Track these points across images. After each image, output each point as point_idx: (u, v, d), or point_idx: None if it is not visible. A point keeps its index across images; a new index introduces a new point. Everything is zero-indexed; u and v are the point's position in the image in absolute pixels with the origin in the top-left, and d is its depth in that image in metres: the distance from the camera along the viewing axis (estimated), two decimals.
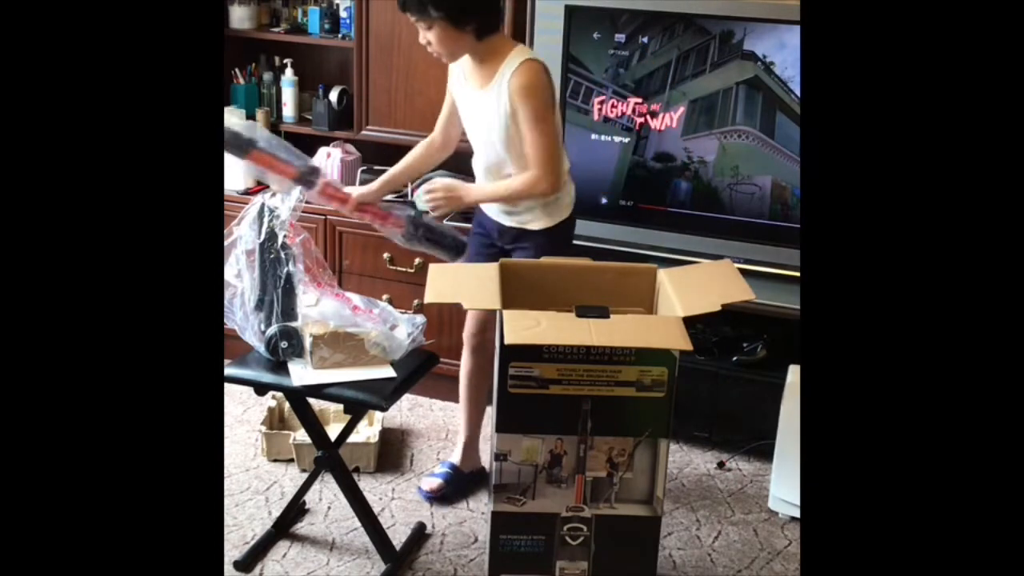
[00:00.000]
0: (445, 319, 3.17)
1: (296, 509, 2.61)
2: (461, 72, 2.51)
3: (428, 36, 2.36)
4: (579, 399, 2.03)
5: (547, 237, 2.53)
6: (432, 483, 2.77)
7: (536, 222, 2.52)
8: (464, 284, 2.17)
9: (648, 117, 2.93)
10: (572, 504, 2.12)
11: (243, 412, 3.17)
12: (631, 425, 2.07)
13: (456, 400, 3.29)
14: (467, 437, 2.83)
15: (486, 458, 2.82)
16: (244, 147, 2.35)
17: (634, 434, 2.08)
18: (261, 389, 2.34)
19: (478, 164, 2.57)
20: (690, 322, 2.01)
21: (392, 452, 3.00)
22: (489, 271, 2.20)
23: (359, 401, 2.25)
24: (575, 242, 2.82)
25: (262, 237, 2.28)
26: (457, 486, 2.79)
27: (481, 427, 2.86)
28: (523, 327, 1.91)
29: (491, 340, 2.63)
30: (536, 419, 2.05)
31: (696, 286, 2.16)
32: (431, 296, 2.08)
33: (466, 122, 2.56)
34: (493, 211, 2.59)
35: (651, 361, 2.01)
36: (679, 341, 1.93)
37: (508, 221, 2.56)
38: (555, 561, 2.17)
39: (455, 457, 2.84)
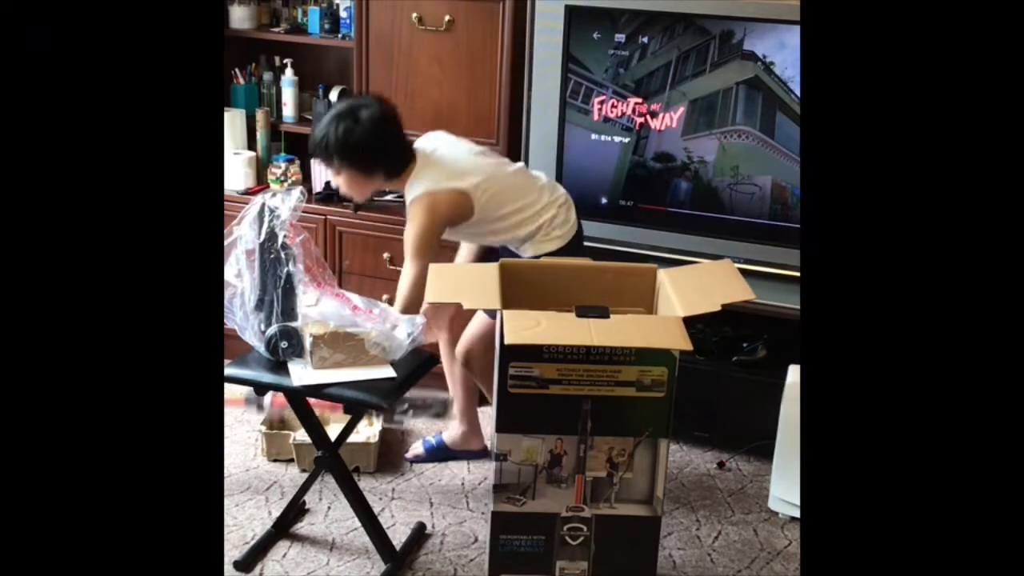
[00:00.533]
0: None
1: (296, 509, 2.61)
2: None
3: (336, 180, 2.51)
4: (579, 399, 2.03)
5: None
6: (416, 450, 2.97)
7: (527, 252, 2.60)
8: (464, 284, 2.17)
9: (648, 117, 2.93)
10: (572, 504, 2.12)
11: (243, 412, 3.17)
12: (631, 425, 2.07)
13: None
14: (459, 417, 2.95)
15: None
16: None
17: (634, 434, 2.08)
18: (261, 389, 2.34)
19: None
20: (690, 322, 2.01)
21: (392, 452, 3.00)
22: (489, 271, 2.20)
23: (359, 401, 2.25)
24: None
25: (262, 237, 2.28)
26: (440, 459, 2.96)
27: (473, 407, 2.96)
28: (523, 327, 1.91)
29: (459, 328, 2.81)
30: (536, 419, 2.05)
31: (696, 286, 2.16)
32: (431, 296, 2.08)
33: None
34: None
35: (651, 361, 2.01)
36: (679, 341, 1.93)
37: (510, 246, 2.64)
38: (555, 561, 2.17)
39: (446, 434, 2.98)
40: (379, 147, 2.44)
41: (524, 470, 2.09)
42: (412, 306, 2.42)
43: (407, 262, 2.45)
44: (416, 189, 2.45)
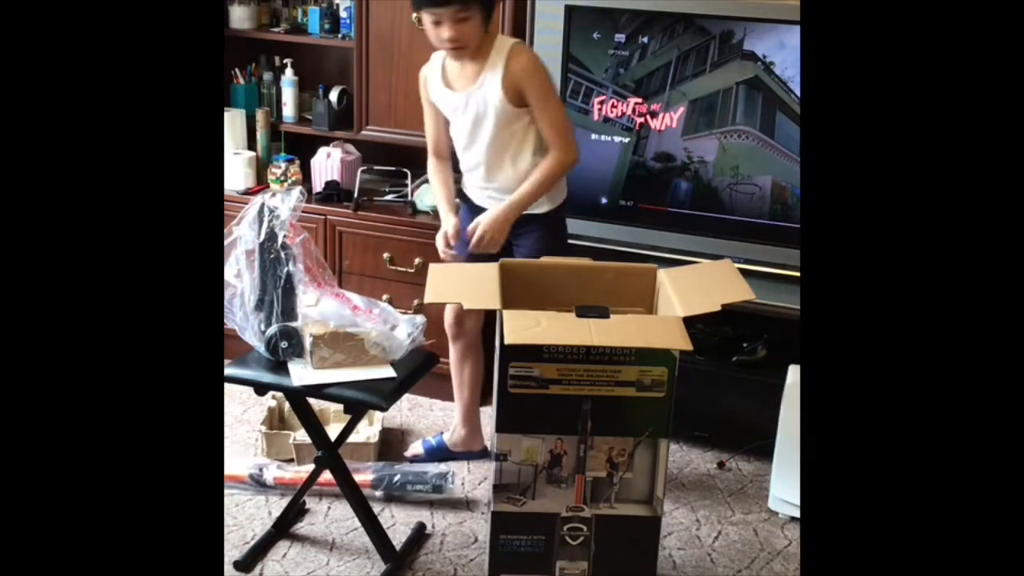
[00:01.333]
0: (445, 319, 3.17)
1: (296, 509, 2.61)
2: (438, 80, 2.55)
3: (462, 28, 2.34)
4: (579, 399, 2.03)
5: (552, 219, 2.62)
6: (415, 449, 2.96)
7: (542, 205, 2.58)
8: (464, 284, 2.17)
9: (648, 117, 2.93)
10: (572, 504, 2.12)
11: (243, 412, 3.17)
12: (631, 425, 2.07)
13: (455, 400, 3.30)
14: (461, 420, 2.95)
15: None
16: None
17: (634, 434, 2.08)
18: (261, 389, 2.34)
19: (475, 166, 2.60)
20: (690, 322, 2.01)
21: (392, 452, 3.00)
22: (489, 271, 2.20)
23: (359, 401, 2.25)
24: (575, 242, 2.82)
25: (262, 237, 2.28)
26: (439, 459, 2.94)
27: (476, 410, 2.95)
28: (523, 327, 1.91)
29: (471, 329, 2.78)
30: (536, 419, 2.05)
31: (696, 286, 2.16)
32: (431, 296, 2.08)
33: (456, 128, 2.58)
34: (485, 201, 2.62)
35: (651, 361, 2.01)
36: (679, 341, 1.93)
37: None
38: (555, 561, 2.17)
39: (447, 436, 2.97)
40: None
41: (524, 470, 2.09)
42: (574, 140, 2.49)
43: (547, 108, 2.44)
44: (503, 49, 2.42)
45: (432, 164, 2.74)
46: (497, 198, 2.58)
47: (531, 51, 2.47)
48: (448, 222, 2.62)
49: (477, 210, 2.63)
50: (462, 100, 2.50)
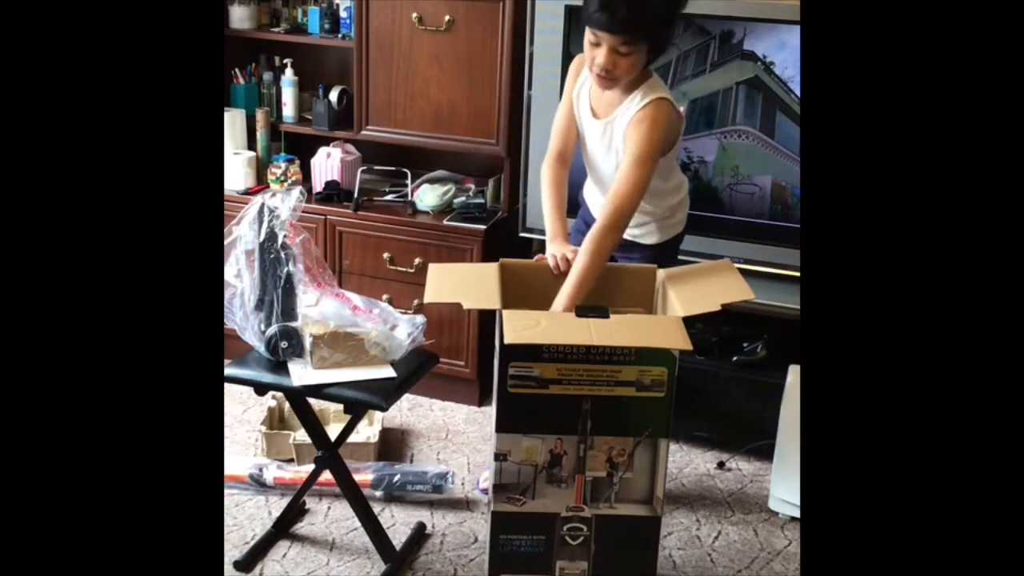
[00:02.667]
0: (445, 319, 3.17)
1: (296, 509, 2.61)
2: (586, 87, 2.30)
3: (617, 60, 2.10)
4: (579, 399, 2.03)
5: (658, 251, 2.42)
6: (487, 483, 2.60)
7: (650, 237, 2.41)
8: (463, 284, 2.17)
9: None
10: (572, 504, 2.12)
11: (243, 412, 3.17)
12: (631, 425, 2.07)
13: (455, 400, 3.30)
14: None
15: None
16: None
17: (634, 434, 2.08)
18: (261, 389, 2.34)
19: (597, 181, 2.39)
20: (690, 322, 2.01)
21: (392, 452, 3.00)
22: (488, 271, 2.21)
23: (359, 401, 2.25)
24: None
25: (262, 237, 2.28)
26: None
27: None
28: (523, 327, 1.91)
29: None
30: (536, 419, 2.05)
31: (696, 286, 2.16)
32: (431, 296, 2.08)
33: (586, 148, 2.36)
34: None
35: (651, 361, 2.01)
36: (679, 341, 1.93)
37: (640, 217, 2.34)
38: (555, 561, 2.17)
39: None
40: (673, 20, 2.13)
41: (524, 470, 2.09)
42: (629, 211, 2.16)
43: (636, 166, 2.12)
44: (658, 90, 2.17)
45: (551, 168, 2.36)
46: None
47: (672, 111, 2.19)
48: (560, 250, 2.25)
49: (590, 216, 2.40)
50: (592, 126, 2.29)
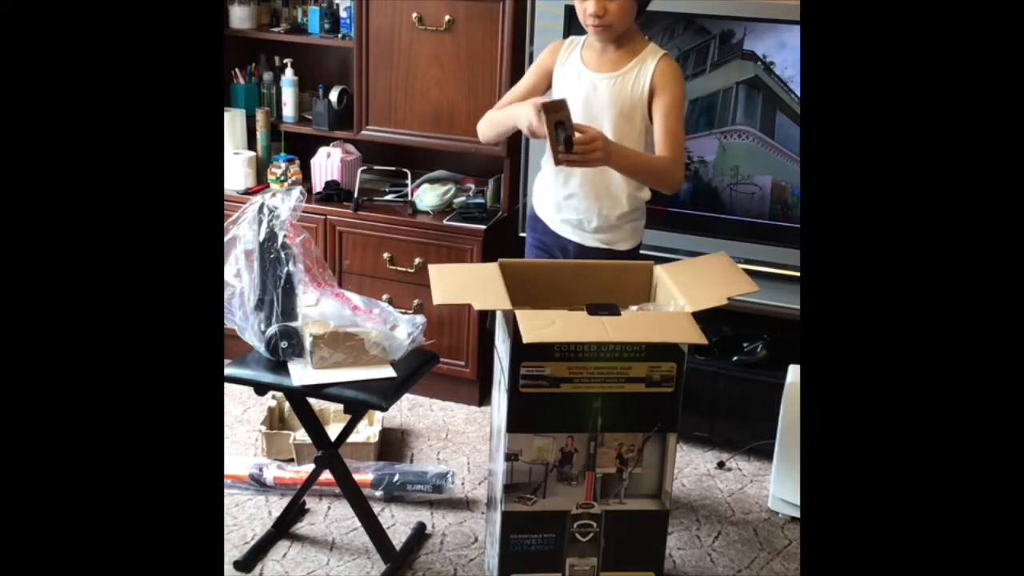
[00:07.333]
0: (445, 319, 3.17)
1: (296, 509, 2.61)
2: (576, 54, 2.37)
3: (606, 5, 2.22)
4: (590, 396, 2.04)
5: (630, 258, 2.42)
6: None
7: (625, 242, 2.40)
8: (470, 285, 2.16)
9: None
10: (582, 501, 2.12)
11: (243, 412, 3.17)
12: (641, 420, 2.07)
13: (455, 400, 3.30)
14: None
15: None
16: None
17: (644, 429, 2.08)
18: (261, 389, 2.34)
19: (559, 188, 2.40)
20: None
21: (392, 452, 3.00)
22: (489, 271, 2.20)
23: (359, 401, 2.25)
24: None
25: (262, 237, 2.28)
26: None
27: None
28: (539, 326, 1.90)
29: None
30: (547, 418, 2.05)
31: (697, 281, 2.16)
32: (439, 298, 2.06)
33: (572, 105, 2.27)
34: (569, 231, 2.41)
35: (660, 357, 2.02)
36: (693, 336, 1.92)
37: (591, 241, 2.39)
38: (565, 558, 2.17)
39: None
40: None
41: (535, 469, 2.09)
42: (683, 162, 2.30)
43: (674, 119, 2.26)
44: (657, 51, 2.32)
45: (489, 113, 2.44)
46: (595, 227, 2.38)
47: (677, 69, 2.31)
48: (526, 104, 2.25)
49: (557, 239, 2.43)
50: (589, 83, 2.32)
